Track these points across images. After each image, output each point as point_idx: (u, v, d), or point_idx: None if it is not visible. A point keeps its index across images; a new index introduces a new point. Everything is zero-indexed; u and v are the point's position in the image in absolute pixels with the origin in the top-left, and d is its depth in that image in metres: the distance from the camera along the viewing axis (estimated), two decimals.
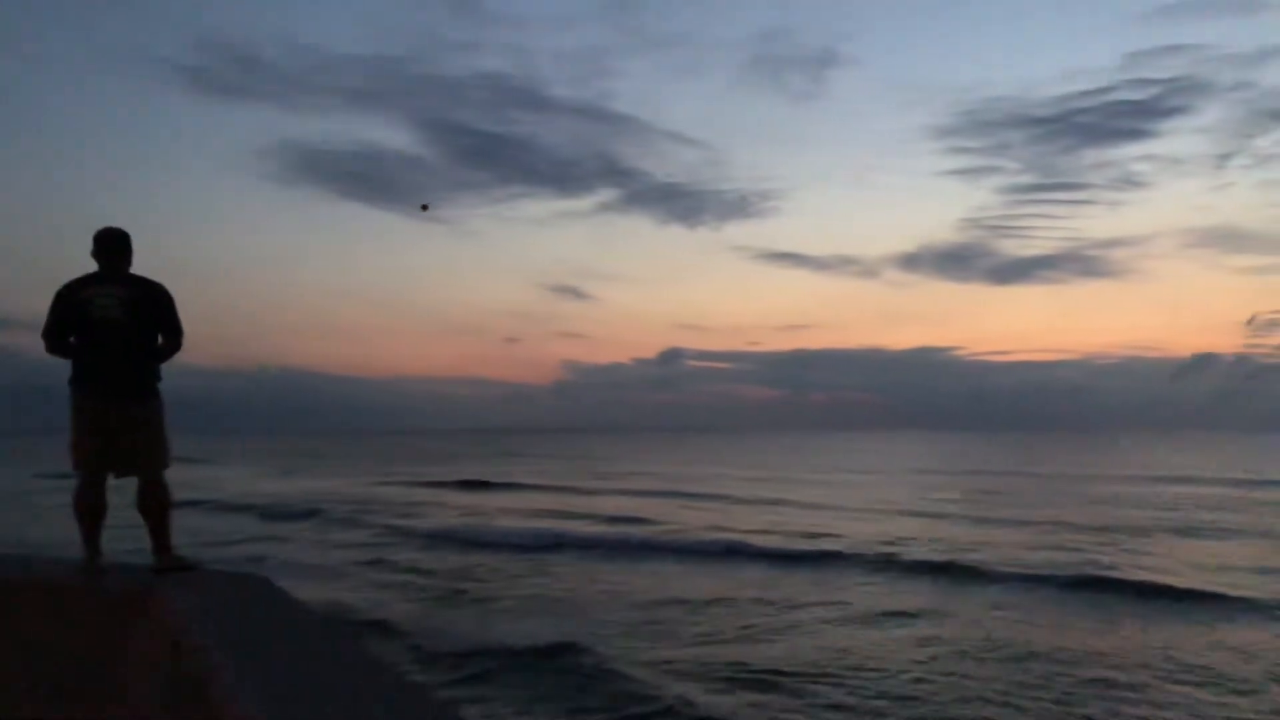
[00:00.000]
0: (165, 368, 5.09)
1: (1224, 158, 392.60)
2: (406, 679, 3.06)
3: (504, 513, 31.93)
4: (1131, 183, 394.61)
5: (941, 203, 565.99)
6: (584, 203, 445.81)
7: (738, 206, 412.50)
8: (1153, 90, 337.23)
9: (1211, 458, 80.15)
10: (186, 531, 16.54)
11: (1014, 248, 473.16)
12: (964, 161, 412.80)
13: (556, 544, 23.49)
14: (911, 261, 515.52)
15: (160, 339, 5.02)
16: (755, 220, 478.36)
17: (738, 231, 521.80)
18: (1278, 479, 48.08)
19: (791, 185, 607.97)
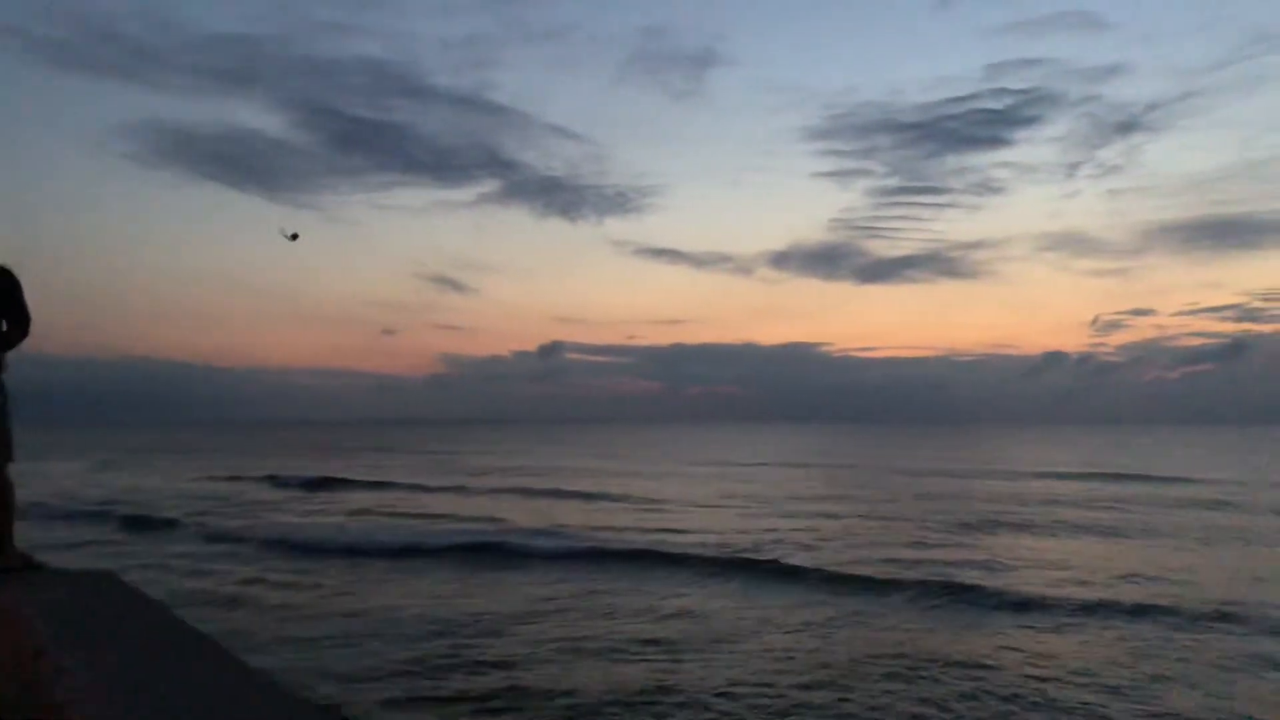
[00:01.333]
0: (11, 356, 4.92)
1: (1073, 167, 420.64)
2: (258, 672, 3.07)
3: (328, 512, 29.66)
4: (989, 188, 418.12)
5: (813, 203, 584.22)
6: (464, 193, 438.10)
7: (618, 202, 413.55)
8: (1010, 100, 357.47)
9: (1058, 451, 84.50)
10: None
11: (880, 248, 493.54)
12: (835, 164, 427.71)
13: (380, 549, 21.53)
14: (783, 259, 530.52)
15: (4, 325, 4.84)
16: (635, 216, 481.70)
17: (618, 226, 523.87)
18: (1117, 473, 50.35)
19: (670, 182, 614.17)
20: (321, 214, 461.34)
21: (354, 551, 21.09)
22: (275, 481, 42.31)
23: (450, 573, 18.44)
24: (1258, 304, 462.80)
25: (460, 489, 39.00)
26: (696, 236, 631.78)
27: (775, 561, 19.02)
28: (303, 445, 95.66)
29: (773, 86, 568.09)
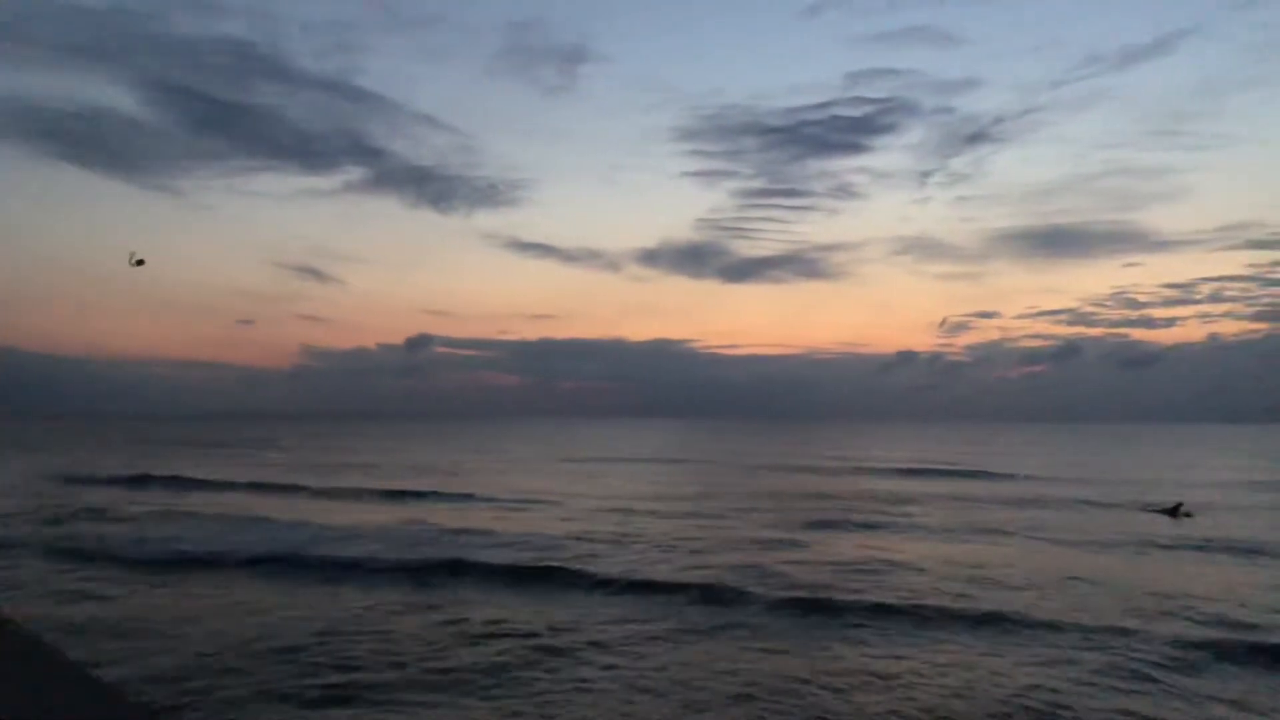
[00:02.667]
0: None
1: (925, 174, 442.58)
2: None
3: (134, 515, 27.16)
4: (848, 193, 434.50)
5: (681, 202, 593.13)
6: (329, 181, 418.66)
7: (489, 194, 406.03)
8: (868, 108, 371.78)
9: (907, 448, 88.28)
10: None
11: (745, 248, 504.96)
12: (702, 164, 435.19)
13: (177, 559, 19.72)
14: (652, 257, 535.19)
15: None
16: (506, 209, 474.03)
17: (489, 219, 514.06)
18: (959, 470, 52.70)
19: (542, 176, 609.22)
20: (179, 199, 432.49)
21: (140, 562, 19.30)
22: (96, 480, 39.05)
23: (237, 584, 17.03)
24: (1089, 309, 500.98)
25: (293, 488, 36.77)
26: (567, 232, 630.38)
27: (574, 570, 18.40)
28: (145, 441, 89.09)
29: (643, 85, 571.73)
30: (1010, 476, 47.56)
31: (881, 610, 14.92)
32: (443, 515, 27.93)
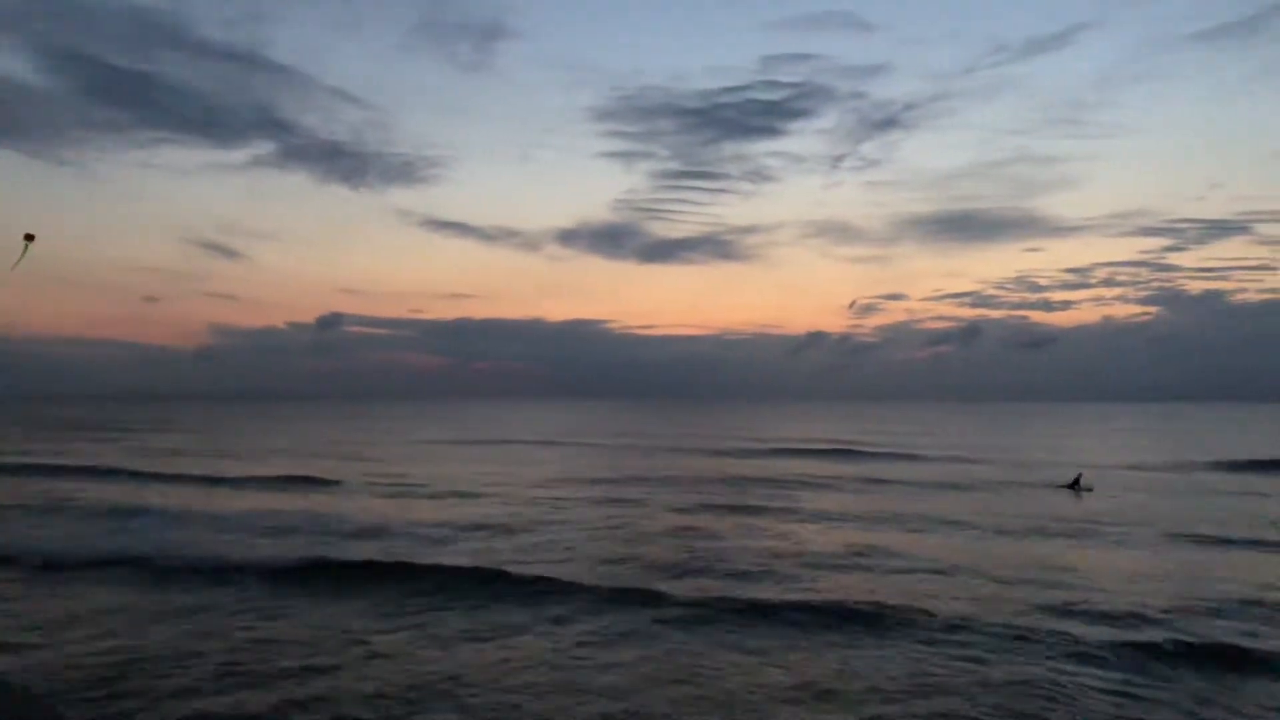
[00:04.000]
0: None
1: (837, 159, 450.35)
2: None
3: None
4: (763, 176, 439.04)
5: (599, 183, 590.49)
6: (237, 154, 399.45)
7: (403, 171, 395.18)
8: (782, 93, 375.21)
9: (814, 427, 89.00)
10: None
11: (661, 229, 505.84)
12: (620, 145, 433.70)
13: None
14: (570, 237, 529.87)
15: None
16: (421, 186, 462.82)
17: (403, 196, 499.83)
18: (866, 450, 52.75)
19: (458, 154, 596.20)
20: (79, 171, 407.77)
21: None
22: None
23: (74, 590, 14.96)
24: (991, 291, 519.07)
25: (181, 477, 34.04)
26: (484, 210, 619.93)
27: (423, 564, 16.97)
28: (35, 423, 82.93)
29: (561, 64, 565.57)
30: (919, 457, 47.83)
31: (761, 610, 13.77)
32: (328, 504, 26.07)
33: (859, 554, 18.66)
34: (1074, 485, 33.05)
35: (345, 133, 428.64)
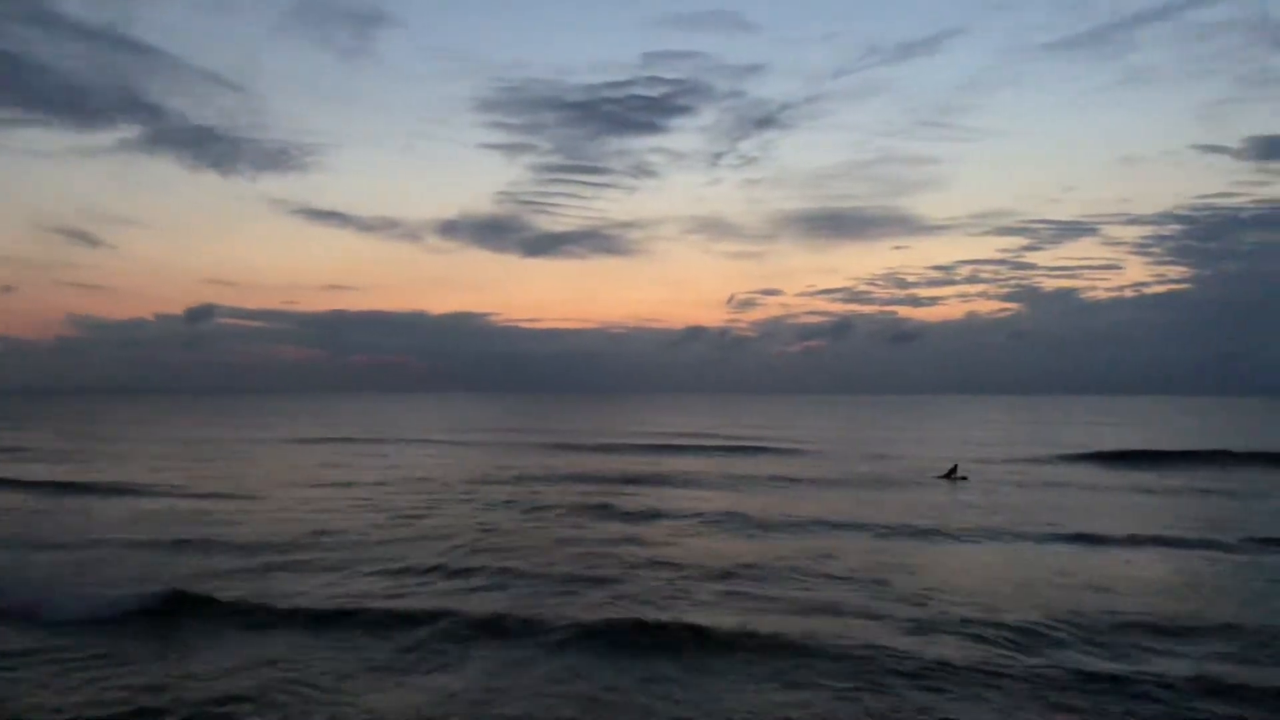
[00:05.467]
0: None
1: (717, 156, 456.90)
2: None
3: None
4: (645, 171, 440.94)
5: (482, 174, 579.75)
6: (100, 138, 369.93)
7: (278, 158, 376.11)
8: (664, 89, 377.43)
9: (693, 421, 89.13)
10: None
11: (544, 223, 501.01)
12: (502, 137, 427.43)
13: None
14: (452, 229, 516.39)
15: None
16: (297, 174, 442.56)
17: (278, 184, 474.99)
18: (744, 445, 52.70)
19: (335, 142, 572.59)
20: None
21: None
22: None
23: None
24: (862, 287, 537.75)
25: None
26: (363, 200, 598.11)
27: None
28: None
29: (442, 53, 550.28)
30: (799, 452, 48.09)
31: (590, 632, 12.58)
32: (159, 510, 23.49)
33: (735, 570, 17.87)
34: (950, 476, 33.66)
35: (216, 117, 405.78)
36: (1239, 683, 10.40)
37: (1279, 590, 15.54)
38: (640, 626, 12.59)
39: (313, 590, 14.76)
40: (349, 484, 30.81)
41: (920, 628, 12.62)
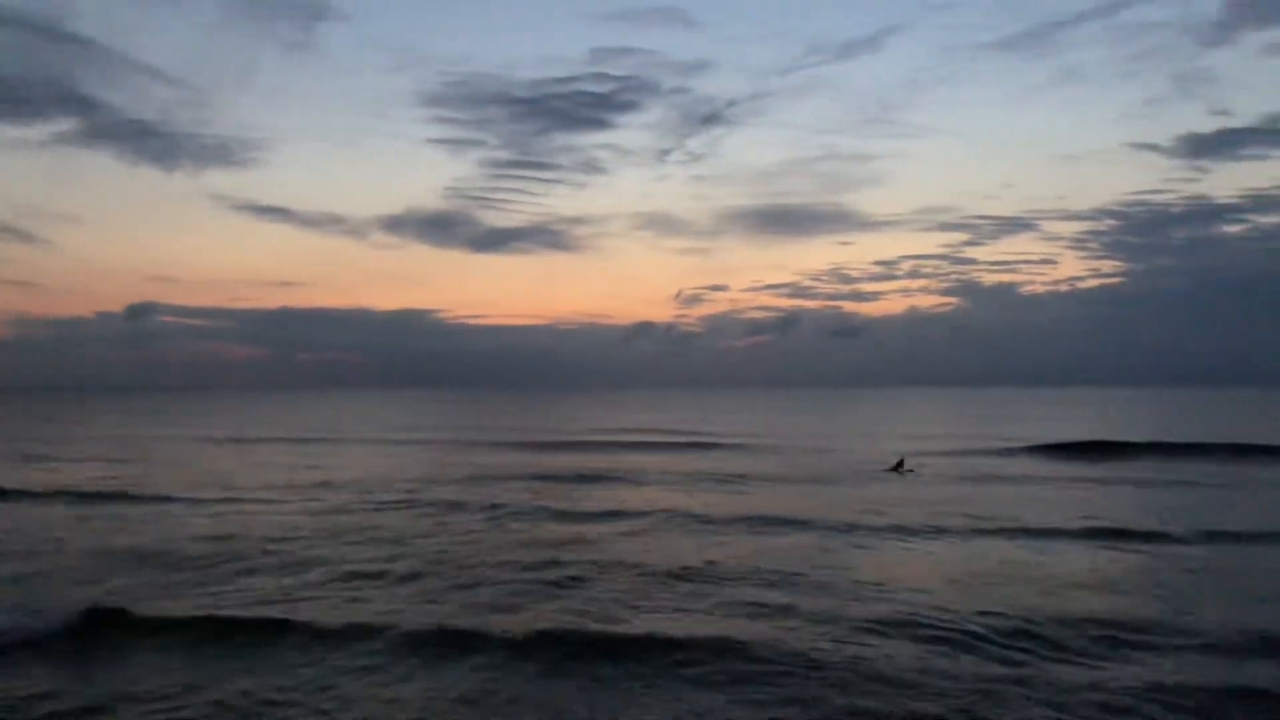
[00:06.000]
0: None
1: (664, 153, 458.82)
2: None
3: None
4: (593, 167, 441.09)
5: (428, 170, 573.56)
6: (34, 132, 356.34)
7: (220, 153, 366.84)
8: (611, 85, 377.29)
9: (641, 416, 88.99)
10: None
11: (492, 219, 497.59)
12: (449, 132, 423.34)
13: None
14: (398, 225, 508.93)
15: None
16: (239, 170, 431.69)
17: (220, 180, 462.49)
18: (694, 442, 52.61)
19: (279, 137, 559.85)
20: None
21: None
22: None
23: None
24: (807, 282, 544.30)
25: None
26: (307, 196, 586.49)
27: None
28: None
29: (388, 47, 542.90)
30: (749, 447, 48.17)
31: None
32: (84, 515, 22.41)
33: (687, 574, 17.63)
34: (898, 469, 33.93)
35: (156, 112, 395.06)
36: (1192, 684, 10.43)
37: (1230, 585, 15.79)
38: (591, 635, 12.26)
39: (244, 601, 14.12)
40: (288, 486, 29.83)
41: (865, 629, 12.48)
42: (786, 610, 13.62)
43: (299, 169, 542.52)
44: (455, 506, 25.09)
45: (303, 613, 13.41)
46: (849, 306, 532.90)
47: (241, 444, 51.23)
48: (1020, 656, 11.43)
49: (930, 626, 12.63)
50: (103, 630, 12.53)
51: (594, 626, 12.76)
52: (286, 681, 10.65)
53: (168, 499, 26.67)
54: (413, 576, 16.07)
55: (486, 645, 11.94)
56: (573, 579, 15.87)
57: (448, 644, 11.98)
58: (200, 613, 13.41)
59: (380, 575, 16.16)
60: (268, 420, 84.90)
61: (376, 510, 24.47)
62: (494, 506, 25.00)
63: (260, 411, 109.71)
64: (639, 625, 12.81)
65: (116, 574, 16.36)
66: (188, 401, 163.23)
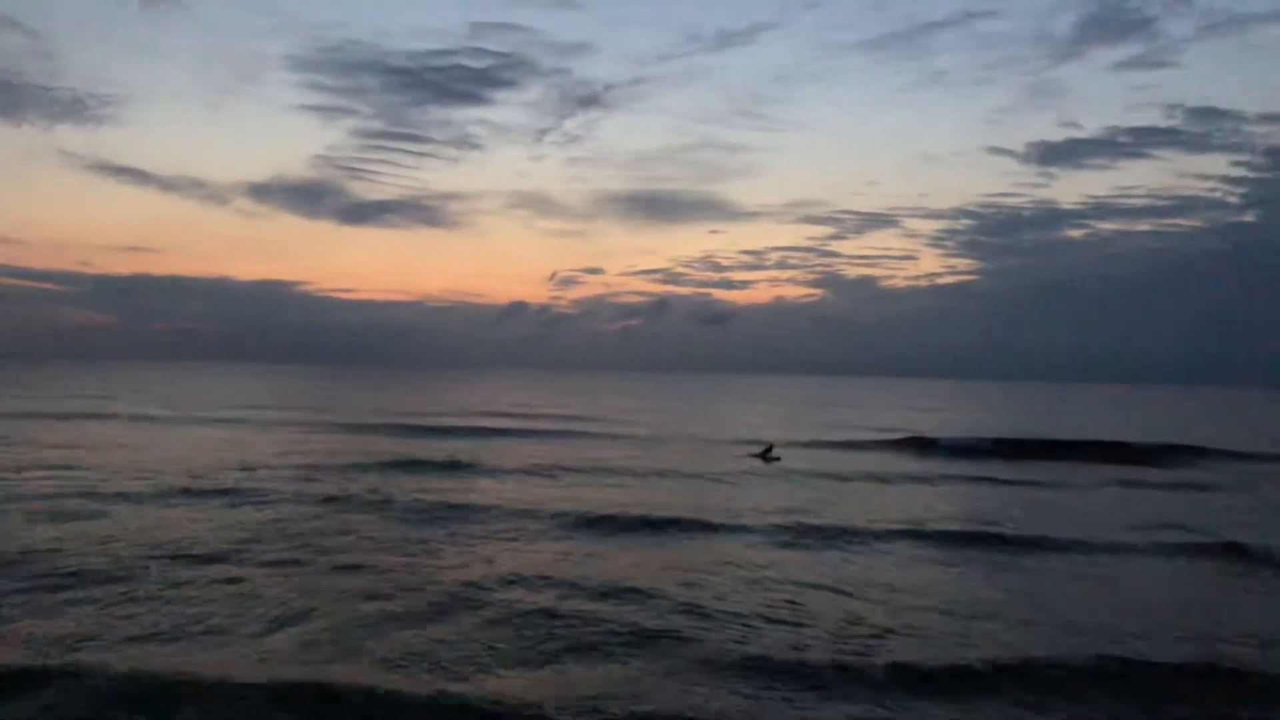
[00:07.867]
0: None
1: (541, 132, 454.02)
2: None
3: None
4: (468, 143, 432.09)
5: (296, 137, 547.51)
6: None
7: (72, 108, 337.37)
8: (489, 61, 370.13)
9: (514, 400, 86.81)
10: None
11: (362, 190, 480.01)
12: (320, 99, 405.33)
13: None
14: (262, 192, 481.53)
15: None
16: (92, 126, 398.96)
17: (70, 136, 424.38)
18: (569, 429, 51.13)
19: (136, 94, 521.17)
20: None
21: None
22: None
23: None
24: (679, 269, 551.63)
25: None
26: (165, 158, 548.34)
27: None
28: None
29: (258, 8, 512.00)
30: (619, 435, 47.04)
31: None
32: None
33: (549, 574, 16.17)
34: (765, 455, 33.56)
35: (3, 60, 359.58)
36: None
37: (1071, 588, 15.52)
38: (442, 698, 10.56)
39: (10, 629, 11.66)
40: (101, 469, 26.36)
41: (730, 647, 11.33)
42: (667, 631, 12.29)
43: (159, 129, 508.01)
44: (298, 499, 22.38)
45: (87, 655, 11.09)
46: (719, 294, 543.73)
47: (70, 419, 46.04)
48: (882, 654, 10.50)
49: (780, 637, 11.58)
50: None
51: (443, 684, 11.02)
52: None
53: None
54: (241, 586, 13.86)
55: (303, 697, 9.78)
56: (426, 602, 14.06)
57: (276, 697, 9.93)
58: None
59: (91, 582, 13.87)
60: (107, 393, 77.62)
61: (204, 499, 21.65)
62: (340, 498, 22.72)
63: (101, 382, 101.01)
64: (490, 682, 11.18)
65: None
66: (22, 370, 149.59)
